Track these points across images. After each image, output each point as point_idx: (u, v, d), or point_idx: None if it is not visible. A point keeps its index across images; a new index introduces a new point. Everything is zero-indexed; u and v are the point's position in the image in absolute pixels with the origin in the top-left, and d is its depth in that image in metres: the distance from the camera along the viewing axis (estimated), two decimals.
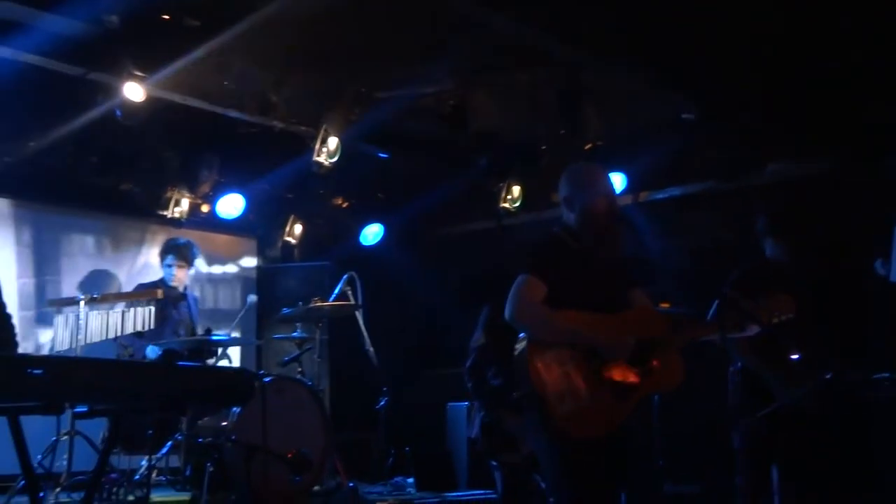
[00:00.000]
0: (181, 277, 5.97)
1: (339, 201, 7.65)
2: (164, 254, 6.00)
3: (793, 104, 5.34)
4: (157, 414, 4.85)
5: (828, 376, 3.86)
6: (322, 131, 6.35)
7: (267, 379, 5.18)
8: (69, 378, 2.45)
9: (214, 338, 5.43)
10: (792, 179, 5.93)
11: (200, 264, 6.29)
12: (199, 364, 4.94)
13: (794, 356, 3.91)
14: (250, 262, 8.01)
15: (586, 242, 3.48)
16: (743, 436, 4.21)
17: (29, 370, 2.36)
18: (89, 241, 7.02)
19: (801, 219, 4.58)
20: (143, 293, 5.47)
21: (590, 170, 3.64)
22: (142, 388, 2.63)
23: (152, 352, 5.45)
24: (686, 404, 5.17)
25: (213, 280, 7.64)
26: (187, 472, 5.08)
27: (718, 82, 5.22)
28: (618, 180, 6.22)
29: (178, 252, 5.95)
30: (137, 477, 4.99)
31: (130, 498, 4.81)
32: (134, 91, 5.21)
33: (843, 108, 5.32)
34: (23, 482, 4.36)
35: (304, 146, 6.51)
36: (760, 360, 4.19)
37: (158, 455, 5.16)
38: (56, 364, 2.49)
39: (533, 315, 3.28)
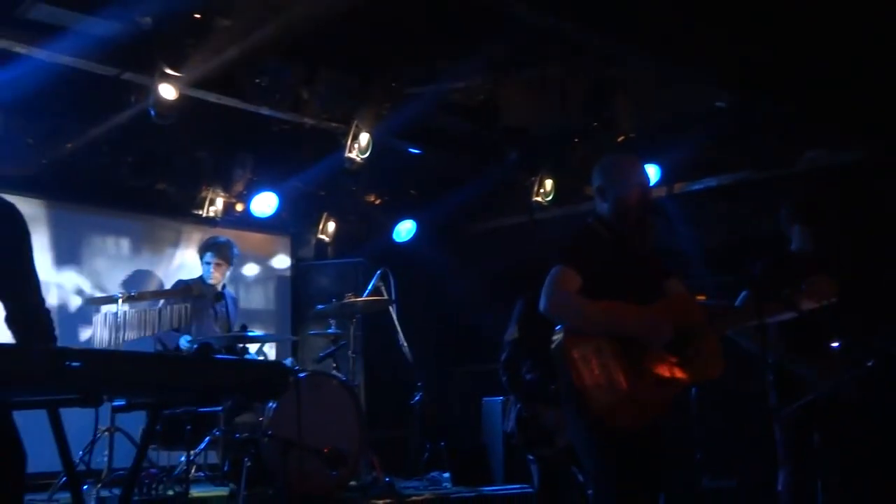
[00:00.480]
0: (219, 276, 6.03)
1: (372, 198, 7.67)
2: (203, 252, 6.07)
3: (828, 92, 5.25)
4: (195, 408, 4.90)
5: (869, 364, 3.79)
6: (353, 127, 6.37)
7: (302, 374, 5.22)
8: (107, 370, 2.47)
9: (250, 334, 5.47)
10: (827, 168, 5.84)
11: (234, 262, 6.33)
12: (234, 357, 4.99)
13: (835, 344, 3.85)
14: (284, 260, 8.06)
15: (620, 233, 3.46)
16: (784, 428, 4.17)
17: (67, 363, 2.39)
18: (125, 241, 7.10)
19: (827, 205, 4.51)
20: (179, 290, 5.53)
21: (623, 160, 3.61)
22: (178, 381, 2.65)
23: (185, 342, 5.50)
24: (723, 398, 5.14)
25: (246, 278, 7.70)
26: (225, 468, 5.13)
27: (752, 70, 5.14)
28: (652, 172, 6.17)
29: (217, 250, 6.01)
30: (176, 472, 5.05)
31: (170, 493, 4.86)
32: (167, 90, 5.26)
33: (878, 96, 5.22)
34: (64, 478, 4.45)
35: (336, 143, 6.53)
36: (795, 353, 4.14)
37: (197, 451, 5.22)
38: (94, 356, 2.51)
39: (568, 306, 3.25)
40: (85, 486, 4.74)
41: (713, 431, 5.09)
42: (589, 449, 3.27)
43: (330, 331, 5.92)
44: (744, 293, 4.21)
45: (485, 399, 6.32)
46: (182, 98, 5.43)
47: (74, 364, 2.41)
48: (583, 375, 3.18)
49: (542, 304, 3.27)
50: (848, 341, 3.95)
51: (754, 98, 5.51)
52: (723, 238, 6.28)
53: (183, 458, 5.16)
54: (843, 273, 4.14)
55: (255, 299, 7.79)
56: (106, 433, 5.06)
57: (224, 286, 6.13)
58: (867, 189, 5.41)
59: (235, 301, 6.27)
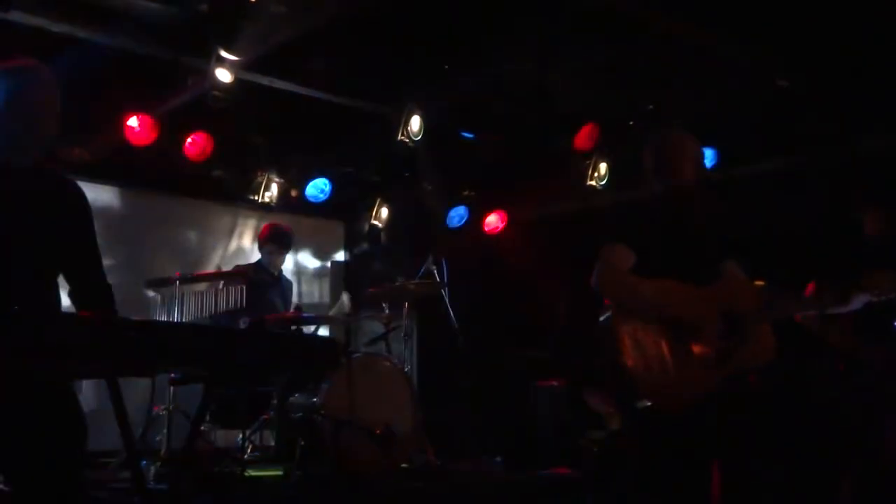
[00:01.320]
0: (278, 263, 6.13)
1: (425, 183, 7.68)
2: (264, 238, 6.15)
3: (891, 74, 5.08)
4: (249, 388, 4.97)
5: None
6: (406, 112, 6.38)
7: (355, 355, 5.25)
8: (163, 341, 2.52)
9: (304, 316, 5.52)
10: (890, 151, 5.65)
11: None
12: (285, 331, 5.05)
13: None
14: (338, 245, 8.13)
15: (676, 212, 3.39)
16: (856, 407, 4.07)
17: (124, 332, 2.44)
18: (182, 225, 7.24)
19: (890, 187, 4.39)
20: (235, 272, 5.60)
21: (676, 137, 3.53)
22: (232, 353, 2.68)
23: (241, 325, 5.58)
24: (787, 382, 5.02)
25: (300, 263, 7.78)
26: (280, 448, 5.19)
27: (817, 49, 5.00)
28: (708, 155, 6.05)
29: (278, 237, 6.10)
30: (232, 452, 5.12)
31: (228, 472, 4.93)
32: (223, 74, 5.32)
33: None
34: (124, 456, 4.55)
35: (390, 127, 6.55)
36: (863, 338, 4.04)
37: (252, 431, 5.29)
38: (150, 327, 2.56)
39: (619, 283, 3.21)
40: (143, 463, 4.84)
41: (777, 416, 4.99)
42: (634, 430, 3.23)
43: (383, 314, 5.95)
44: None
45: (536, 383, 6.29)
46: (237, 82, 5.50)
47: (131, 333, 2.47)
48: (630, 354, 3.14)
49: (593, 280, 3.23)
50: None
51: (818, 78, 5.36)
52: (782, 223, 6.13)
53: (239, 438, 5.25)
54: None
55: (309, 284, 7.88)
56: (164, 411, 5.16)
57: (281, 272, 6.22)
58: None
59: (291, 286, 6.34)
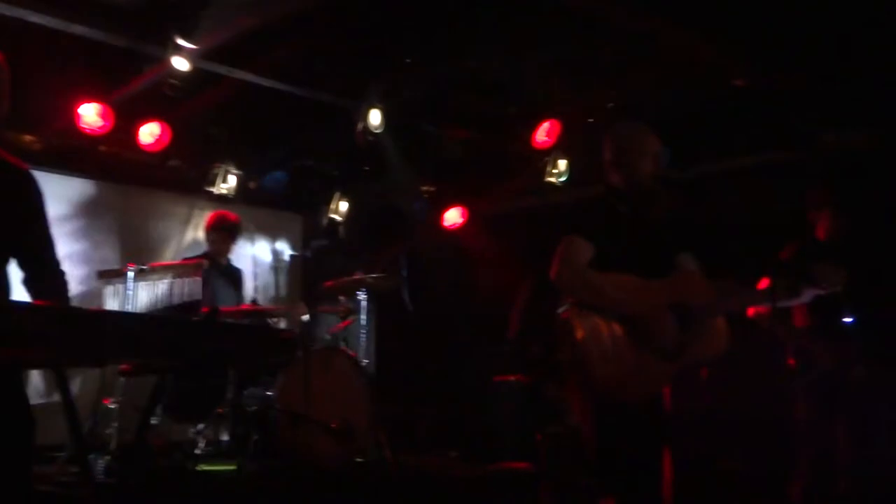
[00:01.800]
0: (224, 251, 6.04)
1: (385, 176, 7.64)
2: (210, 227, 6.07)
3: (850, 70, 5.17)
4: (203, 381, 4.90)
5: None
6: (366, 105, 6.33)
7: (312, 349, 5.21)
8: (113, 330, 2.46)
9: (260, 308, 5.46)
10: (849, 150, 5.75)
11: (246, 239, 6.34)
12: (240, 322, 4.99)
13: (848, 319, 3.83)
14: (295, 237, 8.07)
15: (633, 205, 3.42)
16: (803, 407, 4.15)
17: (73, 321, 2.38)
18: (137, 216, 7.11)
19: (854, 191, 4.48)
20: (190, 264, 5.51)
21: (635, 130, 3.55)
22: (185, 343, 2.63)
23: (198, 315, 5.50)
24: (736, 380, 5.09)
25: (257, 256, 7.70)
26: (233, 441, 5.13)
27: (774, 47, 5.06)
28: (667, 153, 6.09)
29: (224, 226, 6.00)
30: (184, 446, 5.05)
31: (179, 466, 4.86)
32: (180, 63, 5.23)
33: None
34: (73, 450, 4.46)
35: (350, 120, 6.50)
36: (811, 331, 4.12)
37: (205, 424, 5.21)
38: (99, 316, 2.50)
39: (577, 277, 3.22)
40: (92, 457, 4.74)
41: (728, 409, 5.06)
42: (589, 420, 3.24)
43: (340, 307, 5.91)
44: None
45: (494, 378, 6.29)
46: (195, 71, 5.41)
47: (80, 323, 2.41)
48: (588, 347, 3.16)
49: (552, 274, 3.24)
50: (861, 319, 3.92)
51: (774, 76, 5.43)
52: (738, 220, 6.20)
53: (191, 432, 5.17)
54: (868, 257, 4.11)
55: (266, 276, 7.80)
56: (114, 404, 5.06)
57: (229, 261, 6.14)
58: (889, 170, 5.32)
59: (241, 273, 6.26)
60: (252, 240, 7.61)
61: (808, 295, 3.55)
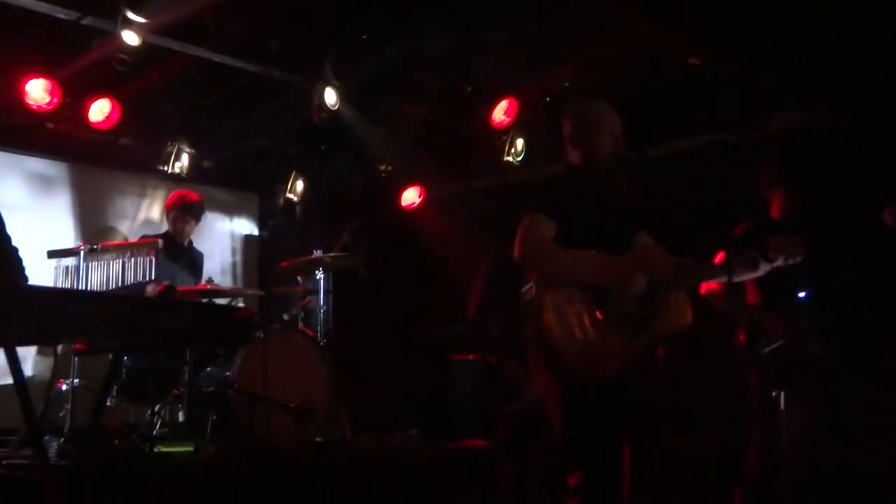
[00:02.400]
0: (187, 231, 5.94)
1: (341, 155, 7.58)
2: (170, 206, 5.96)
3: (801, 53, 5.24)
4: (159, 361, 4.83)
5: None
6: (321, 82, 6.26)
7: (270, 329, 5.16)
8: (66, 309, 2.41)
9: (216, 287, 5.39)
10: (802, 130, 5.83)
11: (202, 219, 6.24)
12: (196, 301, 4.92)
13: (802, 294, 3.89)
14: (251, 217, 7.98)
15: (592, 182, 3.43)
16: (755, 383, 4.22)
17: (25, 299, 2.32)
18: (88, 195, 6.96)
19: (807, 170, 4.54)
20: (144, 243, 5.42)
21: (595, 110, 3.56)
22: (140, 322, 2.59)
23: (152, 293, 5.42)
24: (689, 358, 5.16)
25: (213, 235, 7.60)
26: (190, 423, 5.07)
27: (726, 24, 5.10)
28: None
29: (184, 206, 5.91)
30: (141, 428, 4.98)
31: (135, 448, 4.79)
32: (130, 37, 5.11)
33: (854, 57, 5.21)
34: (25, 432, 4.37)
35: (305, 98, 6.43)
36: (764, 306, 4.18)
37: (161, 405, 5.15)
38: (54, 294, 2.45)
39: (541, 254, 3.22)
40: (45, 439, 4.65)
41: (683, 388, 5.12)
42: (554, 398, 3.26)
43: (297, 287, 5.87)
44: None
45: (453, 357, 6.31)
46: (146, 46, 5.29)
47: (33, 301, 2.35)
48: (553, 325, 3.17)
49: (515, 252, 3.24)
50: (816, 293, 3.99)
51: (727, 57, 5.48)
52: (692, 201, 6.27)
53: (147, 414, 5.10)
54: (821, 235, 4.17)
55: (223, 256, 7.72)
56: (67, 386, 4.96)
57: (191, 242, 6.05)
58: (841, 151, 5.41)
59: (202, 257, 6.17)
60: (207, 219, 7.49)
61: (764, 268, 3.60)
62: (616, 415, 3.24)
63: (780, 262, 3.57)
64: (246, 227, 7.96)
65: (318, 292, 5.81)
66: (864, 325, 4.21)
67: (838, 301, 4.12)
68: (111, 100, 6.09)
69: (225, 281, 7.44)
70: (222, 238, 7.75)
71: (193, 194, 6.06)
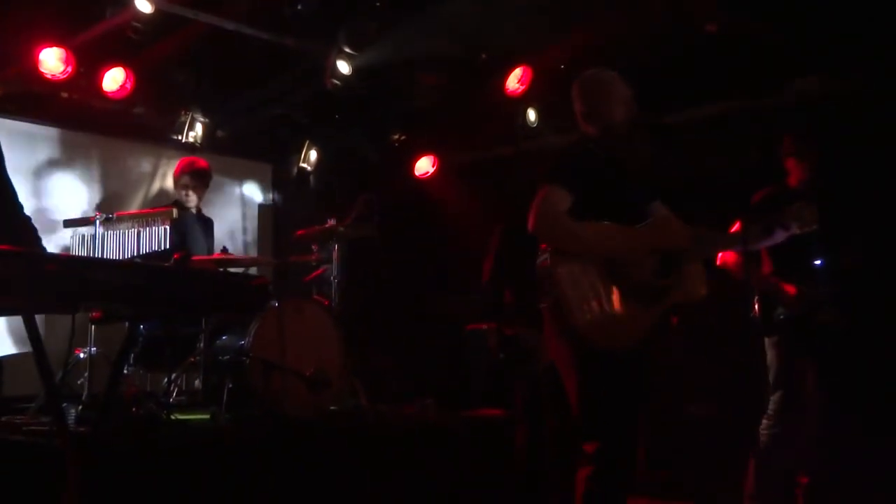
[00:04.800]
0: (193, 198, 5.93)
1: (356, 125, 7.55)
2: (179, 174, 5.95)
3: (822, 15, 5.16)
4: (175, 328, 4.85)
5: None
6: (336, 50, 6.22)
7: (285, 297, 5.17)
8: (84, 276, 2.41)
9: (232, 257, 5.41)
10: (819, 98, 5.76)
11: (215, 188, 6.24)
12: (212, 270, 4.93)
13: (817, 262, 3.88)
14: (266, 186, 7.99)
15: (608, 152, 3.41)
16: (773, 352, 4.21)
17: (43, 265, 2.33)
18: (102, 164, 6.98)
19: (825, 138, 4.49)
20: (159, 211, 5.43)
21: (604, 77, 3.53)
22: (156, 290, 2.60)
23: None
24: (708, 325, 5.16)
25: (228, 204, 7.62)
26: (206, 391, 5.11)
27: None
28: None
29: (192, 173, 5.90)
30: (157, 395, 5.02)
31: (152, 415, 4.83)
32: (143, 5, 5.09)
33: (873, 22, 5.12)
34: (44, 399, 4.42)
35: (319, 67, 6.39)
36: (780, 274, 4.16)
37: (178, 373, 5.19)
38: (71, 262, 2.46)
39: (557, 226, 3.22)
40: (64, 405, 4.70)
41: (698, 358, 5.13)
42: (571, 368, 3.26)
43: (312, 256, 5.87)
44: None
45: (468, 326, 6.32)
46: (159, 14, 5.27)
47: (50, 268, 2.36)
48: (569, 295, 3.17)
49: (530, 223, 3.23)
50: (831, 262, 3.97)
51: (743, 23, 5.40)
52: (708, 169, 6.22)
53: (164, 382, 5.14)
54: (837, 203, 4.14)
55: (237, 225, 7.74)
56: (85, 354, 5.01)
57: (201, 210, 6.05)
58: (858, 119, 5.34)
59: (212, 225, 6.18)
60: (222, 188, 7.51)
61: (780, 235, 3.59)
62: (632, 384, 3.24)
63: (795, 230, 3.56)
64: (260, 196, 7.97)
65: (332, 262, 5.81)
66: (879, 294, 4.19)
67: (853, 270, 4.09)
68: (125, 69, 6.09)
69: (239, 250, 7.46)
70: (236, 208, 7.77)
71: (201, 160, 6.04)
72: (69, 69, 5.73)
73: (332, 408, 5.24)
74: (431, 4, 5.91)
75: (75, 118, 6.64)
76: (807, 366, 4.17)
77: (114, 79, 6.09)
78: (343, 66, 6.33)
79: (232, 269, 5.56)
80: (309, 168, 7.75)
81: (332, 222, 5.74)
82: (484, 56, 6.62)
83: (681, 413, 5.20)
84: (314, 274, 5.79)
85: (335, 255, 5.82)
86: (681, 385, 5.20)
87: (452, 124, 7.32)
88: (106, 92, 6.14)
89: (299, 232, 5.80)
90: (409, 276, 7.22)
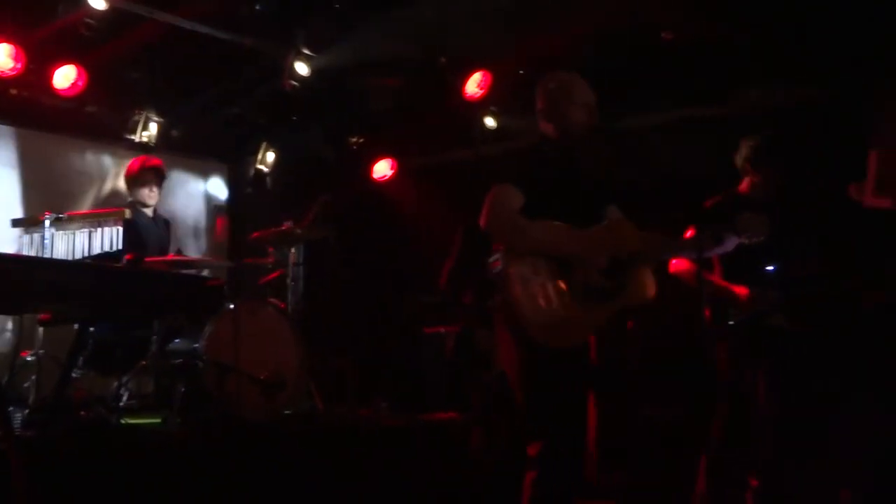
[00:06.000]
0: (157, 196, 5.84)
1: (313, 126, 7.51)
2: (138, 171, 5.84)
3: (779, 25, 5.25)
4: (127, 332, 4.77)
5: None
6: (294, 51, 6.18)
7: (240, 299, 5.12)
8: (30, 276, 2.36)
9: (186, 258, 5.34)
10: (774, 106, 5.86)
11: (169, 189, 6.16)
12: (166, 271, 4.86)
13: (770, 268, 3.93)
14: (221, 188, 7.91)
15: (565, 154, 3.43)
16: (723, 356, 4.27)
17: None
18: (53, 164, 6.85)
19: (779, 146, 4.56)
20: (111, 212, 5.33)
21: (568, 80, 3.56)
22: (108, 292, 2.55)
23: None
24: (658, 330, 5.21)
25: (183, 205, 7.53)
26: (158, 394, 5.02)
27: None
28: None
29: (154, 168, 5.80)
30: (107, 399, 4.92)
31: (102, 419, 4.74)
32: (97, 2, 5.01)
33: (828, 32, 5.23)
34: None
35: (277, 68, 6.34)
36: (730, 279, 4.22)
37: (128, 376, 5.09)
38: (15, 261, 2.40)
39: (508, 224, 3.23)
40: (10, 409, 4.59)
41: (653, 361, 5.17)
42: (518, 367, 3.28)
43: (268, 258, 5.82)
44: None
45: (424, 328, 6.31)
46: (113, 11, 5.18)
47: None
48: (519, 294, 3.18)
49: (482, 222, 3.24)
50: (783, 267, 4.03)
51: (701, 31, 5.48)
52: (664, 175, 6.29)
53: (115, 386, 5.04)
54: (789, 211, 4.21)
55: (191, 227, 7.64)
56: (32, 357, 4.90)
57: (156, 210, 5.96)
58: (814, 127, 5.45)
59: (169, 226, 6.09)
60: (176, 189, 7.41)
61: (731, 243, 3.63)
62: (578, 384, 3.26)
63: (744, 240, 3.61)
64: (215, 197, 7.89)
65: (288, 264, 5.77)
66: (830, 299, 4.27)
67: (804, 275, 4.16)
68: (77, 66, 5.98)
69: (193, 251, 7.37)
70: (191, 209, 7.67)
71: (153, 158, 5.94)
72: (19, 66, 5.61)
73: (286, 411, 5.20)
74: (391, 7, 5.90)
75: (25, 115, 6.51)
76: (757, 369, 4.23)
77: (65, 76, 5.98)
78: (301, 68, 6.30)
79: (186, 271, 5.48)
80: (266, 169, 7.70)
81: (288, 224, 5.69)
82: (443, 60, 6.62)
83: (636, 415, 5.24)
84: (270, 276, 5.74)
85: (292, 257, 5.78)
86: (636, 388, 5.24)
87: (411, 128, 7.32)
88: (57, 89, 6.02)
89: (255, 234, 5.75)
90: (367, 279, 7.19)
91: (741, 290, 4.20)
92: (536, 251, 3.21)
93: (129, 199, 5.90)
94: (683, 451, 4.56)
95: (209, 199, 7.85)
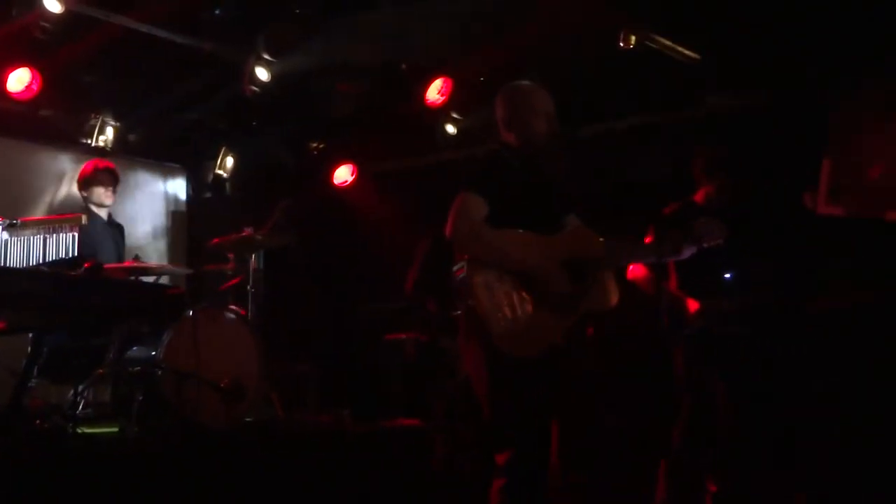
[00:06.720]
0: (108, 199, 5.74)
1: (273, 131, 7.46)
2: (92, 173, 5.74)
3: (732, 33, 5.35)
4: (84, 340, 4.69)
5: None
6: (254, 56, 6.14)
7: (199, 307, 5.06)
8: None
9: (144, 265, 5.26)
10: (730, 112, 5.96)
11: (127, 194, 6.06)
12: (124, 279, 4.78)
13: (727, 275, 4.00)
14: (180, 193, 7.82)
15: (527, 162, 3.46)
16: (681, 363, 4.32)
17: None
18: (6, 168, 6.71)
19: (732, 158, 4.63)
20: (66, 218, 5.23)
21: (527, 88, 3.59)
22: (65, 299, 2.51)
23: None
24: (620, 335, 5.26)
25: (140, 211, 7.42)
26: (115, 403, 4.94)
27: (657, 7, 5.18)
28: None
29: (108, 170, 5.70)
30: (63, 408, 4.83)
31: (58, 429, 4.65)
32: (52, 4, 4.93)
33: (781, 40, 5.33)
34: None
35: (237, 72, 6.30)
36: (686, 287, 4.28)
37: (85, 385, 5.00)
38: None
39: (472, 233, 3.25)
40: None
41: (613, 367, 5.22)
42: (484, 376, 3.29)
43: (228, 265, 5.77)
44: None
45: (386, 336, 6.30)
46: (68, 14, 5.10)
47: None
48: (483, 302, 3.20)
49: (447, 230, 3.26)
50: (740, 275, 4.10)
51: (658, 39, 5.56)
52: (621, 182, 6.36)
53: (71, 394, 4.95)
54: (743, 219, 4.28)
55: (149, 232, 7.54)
56: None
57: (111, 216, 5.87)
58: (768, 134, 5.54)
59: (123, 230, 6.00)
60: (134, 194, 7.31)
61: (689, 250, 3.69)
62: (543, 392, 3.28)
63: (703, 245, 3.67)
64: (173, 203, 7.79)
65: (249, 270, 5.72)
66: (783, 306, 4.35)
67: (758, 283, 4.23)
68: (31, 69, 5.88)
69: (151, 258, 7.27)
70: (149, 215, 7.57)
71: (106, 162, 5.84)
72: None
73: (247, 419, 5.15)
74: (352, 13, 5.89)
75: None
76: (714, 375, 4.29)
77: (19, 79, 5.88)
78: (261, 73, 6.26)
79: (144, 278, 5.40)
80: (225, 175, 7.63)
81: (248, 230, 5.65)
82: (404, 66, 6.63)
83: (596, 421, 5.27)
84: (230, 283, 5.68)
85: (252, 263, 5.73)
86: (596, 394, 5.28)
87: (372, 133, 7.32)
88: (10, 93, 5.92)
89: (215, 240, 5.69)
90: (328, 286, 7.17)
91: (692, 303, 4.26)
92: (501, 263, 3.23)
93: (84, 204, 5.81)
94: (644, 456, 4.61)
95: (168, 202, 7.75)
